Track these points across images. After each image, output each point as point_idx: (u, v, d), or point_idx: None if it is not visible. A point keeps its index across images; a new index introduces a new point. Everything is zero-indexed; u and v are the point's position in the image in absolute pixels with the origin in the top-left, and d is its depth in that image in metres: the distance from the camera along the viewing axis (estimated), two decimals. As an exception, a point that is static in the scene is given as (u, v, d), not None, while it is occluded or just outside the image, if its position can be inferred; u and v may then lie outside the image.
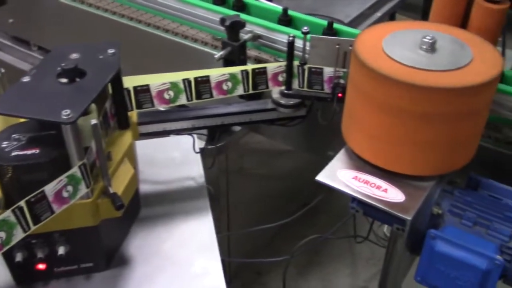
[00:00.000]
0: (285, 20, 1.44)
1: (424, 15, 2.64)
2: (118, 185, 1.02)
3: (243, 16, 1.37)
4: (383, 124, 0.97)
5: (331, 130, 1.18)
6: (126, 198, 1.03)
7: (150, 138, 1.32)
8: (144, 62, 1.60)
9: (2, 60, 1.99)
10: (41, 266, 1.05)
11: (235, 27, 1.31)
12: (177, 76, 1.20)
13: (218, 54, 1.32)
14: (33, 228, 0.92)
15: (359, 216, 1.06)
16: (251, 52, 1.40)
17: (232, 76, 1.22)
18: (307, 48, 1.19)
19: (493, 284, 0.93)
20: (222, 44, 1.34)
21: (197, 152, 1.36)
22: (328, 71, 1.20)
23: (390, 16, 2.12)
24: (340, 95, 1.19)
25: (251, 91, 1.25)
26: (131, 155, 1.12)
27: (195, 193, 1.29)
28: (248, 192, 1.88)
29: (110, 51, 1.07)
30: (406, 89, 0.90)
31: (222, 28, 1.35)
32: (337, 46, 1.15)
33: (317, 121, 1.28)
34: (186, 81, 1.19)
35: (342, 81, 1.20)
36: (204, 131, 1.42)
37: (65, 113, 0.89)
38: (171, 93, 1.19)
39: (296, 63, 1.22)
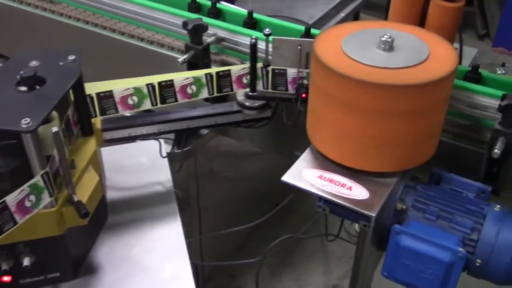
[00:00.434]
0: (250, 23, 1.45)
1: (387, 14, 2.68)
2: (83, 193, 1.01)
3: (206, 20, 1.37)
4: (345, 123, 0.98)
5: (297, 130, 1.19)
6: (91, 206, 1.02)
7: (116, 144, 1.31)
8: (108, 68, 1.58)
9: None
10: (6, 279, 1.03)
11: (197, 30, 1.31)
12: (141, 81, 1.19)
13: (181, 58, 1.32)
14: (-5, 239, 0.90)
15: (331, 214, 1.07)
16: (222, 57, 1.40)
17: (196, 80, 1.22)
18: (270, 49, 1.20)
19: (456, 275, 0.95)
20: (185, 48, 1.34)
21: (164, 157, 1.35)
22: (291, 72, 1.21)
23: (354, 16, 2.14)
24: (303, 95, 1.20)
25: (216, 94, 1.25)
26: (95, 162, 1.11)
27: (163, 198, 1.29)
28: (219, 195, 1.88)
29: (71, 57, 1.05)
30: (365, 88, 0.92)
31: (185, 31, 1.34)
32: (299, 47, 1.16)
33: (282, 122, 1.29)
34: (150, 86, 1.19)
35: (305, 81, 1.21)
36: (171, 136, 1.41)
37: (25, 122, 0.88)
38: (135, 98, 1.19)
39: (259, 65, 1.23)
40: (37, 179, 0.92)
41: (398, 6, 1.15)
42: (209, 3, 1.51)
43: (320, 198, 1.03)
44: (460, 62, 1.26)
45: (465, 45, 1.52)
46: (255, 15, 1.45)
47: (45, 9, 1.66)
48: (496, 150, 1.00)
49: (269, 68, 1.22)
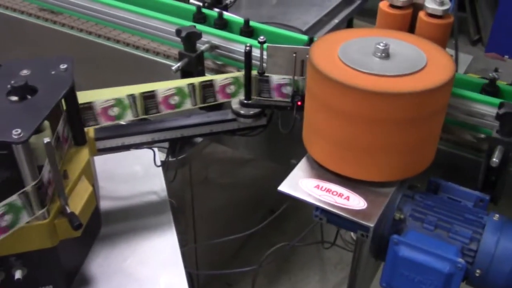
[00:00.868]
0: (221, 24, 1.44)
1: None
2: (76, 204, 0.99)
3: (200, 27, 1.35)
4: (342, 132, 0.97)
5: (293, 138, 1.18)
6: (84, 217, 1.00)
7: (109, 153, 1.30)
8: (103, 77, 1.57)
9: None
10: (-2, 292, 1.01)
11: (191, 38, 1.30)
12: (123, 91, 1.16)
13: (175, 65, 1.30)
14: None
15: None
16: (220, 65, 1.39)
17: (179, 90, 1.19)
18: (265, 57, 1.19)
19: (456, 286, 0.93)
20: (179, 55, 1.32)
21: (158, 166, 1.33)
22: (275, 78, 1.19)
23: (348, 22, 2.14)
24: (299, 103, 1.19)
25: (199, 105, 1.23)
26: (88, 172, 1.09)
27: (158, 207, 1.27)
28: (214, 203, 1.86)
29: (62, 66, 1.04)
30: (362, 96, 0.90)
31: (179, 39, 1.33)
32: (294, 55, 1.15)
33: (278, 130, 1.28)
34: (131, 98, 1.16)
35: (289, 88, 1.20)
36: (165, 144, 1.40)
37: (16, 133, 0.86)
38: (116, 109, 1.15)
39: (254, 72, 1.21)
40: (14, 198, 0.90)
41: (385, 22, 1.13)
42: (215, 14, 1.47)
43: (317, 208, 1.01)
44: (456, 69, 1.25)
45: (458, 51, 1.51)
46: (251, 23, 1.43)
47: (38, 17, 1.64)
48: (494, 159, 0.99)
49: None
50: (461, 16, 3.77)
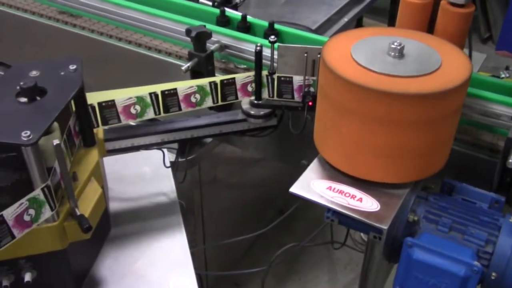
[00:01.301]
0: (244, 27, 1.43)
1: (391, 19, 2.67)
2: (85, 206, 0.98)
3: (210, 27, 1.34)
4: (355, 133, 0.95)
5: (304, 139, 1.17)
6: (94, 219, 0.99)
7: (119, 154, 1.29)
8: (115, 77, 1.57)
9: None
10: (7, 294, 1.00)
11: (201, 37, 1.29)
12: (144, 90, 1.17)
13: (185, 65, 1.29)
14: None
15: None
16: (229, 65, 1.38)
17: (200, 88, 1.19)
18: (275, 57, 1.17)
19: (472, 290, 0.92)
20: (189, 55, 1.31)
21: (167, 167, 1.32)
22: (297, 79, 1.18)
23: (358, 21, 2.12)
24: (310, 103, 1.17)
25: (220, 103, 1.23)
26: (98, 173, 1.08)
27: (167, 209, 1.26)
28: (223, 203, 1.85)
29: (72, 67, 1.03)
30: (376, 96, 0.89)
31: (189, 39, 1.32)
32: (305, 55, 1.14)
33: (289, 130, 1.26)
34: (153, 95, 1.16)
35: (312, 89, 1.18)
36: (174, 145, 1.39)
37: (25, 134, 0.85)
38: (138, 107, 1.16)
39: (264, 72, 1.20)
40: (37, 193, 0.89)
41: (407, 12, 1.12)
42: (238, 17, 1.47)
43: (329, 209, 1.00)
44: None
45: (473, 50, 1.49)
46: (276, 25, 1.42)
47: (49, 17, 1.64)
48: (511, 160, 0.97)
49: (275, 76, 1.19)
50: (471, 14, 3.73)
